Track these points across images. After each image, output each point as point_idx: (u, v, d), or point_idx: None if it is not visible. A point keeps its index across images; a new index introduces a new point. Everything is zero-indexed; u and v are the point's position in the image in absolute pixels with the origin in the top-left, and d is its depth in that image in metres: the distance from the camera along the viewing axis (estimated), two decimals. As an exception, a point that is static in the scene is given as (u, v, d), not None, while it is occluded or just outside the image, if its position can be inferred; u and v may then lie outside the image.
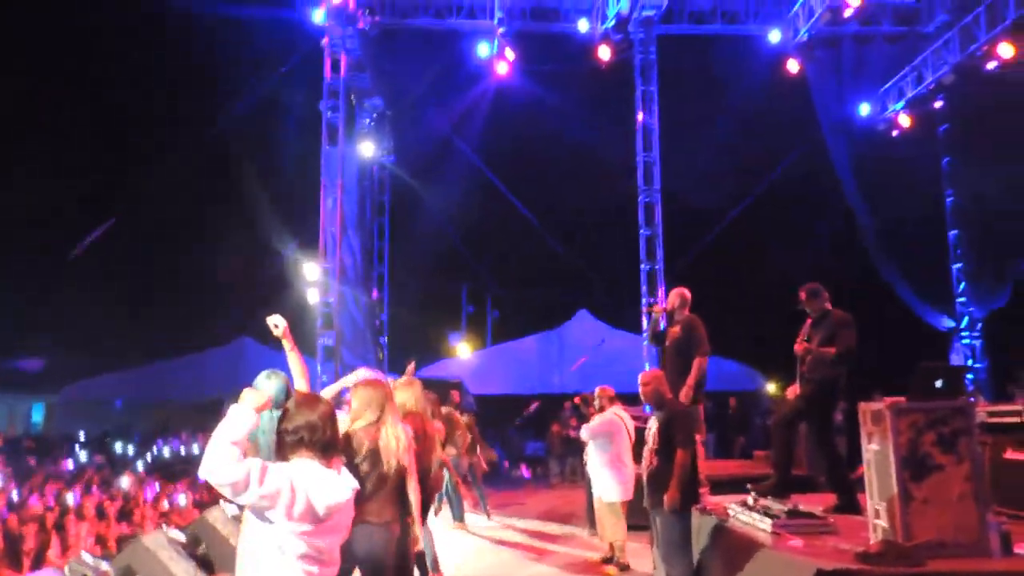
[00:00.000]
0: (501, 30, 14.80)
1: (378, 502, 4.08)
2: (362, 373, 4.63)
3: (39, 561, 6.42)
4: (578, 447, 9.63)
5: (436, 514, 10.04)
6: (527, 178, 18.02)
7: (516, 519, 10.82)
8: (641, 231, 15.11)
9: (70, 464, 12.48)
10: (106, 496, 8.55)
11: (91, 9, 18.38)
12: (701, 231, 16.69)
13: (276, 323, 4.67)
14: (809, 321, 6.28)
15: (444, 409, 9.74)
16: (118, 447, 15.14)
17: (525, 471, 17.21)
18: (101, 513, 7.86)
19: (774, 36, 15.14)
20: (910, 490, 4.34)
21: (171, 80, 19.50)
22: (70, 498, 8.01)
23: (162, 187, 16.09)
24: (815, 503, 5.73)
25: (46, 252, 17.01)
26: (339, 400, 5.71)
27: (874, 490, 4.61)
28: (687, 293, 7.61)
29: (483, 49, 15.08)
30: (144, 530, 7.29)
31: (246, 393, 2.99)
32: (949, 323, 15.63)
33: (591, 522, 8.73)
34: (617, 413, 7.81)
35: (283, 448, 2.94)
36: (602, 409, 7.92)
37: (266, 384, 4.38)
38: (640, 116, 15.39)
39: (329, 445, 2.97)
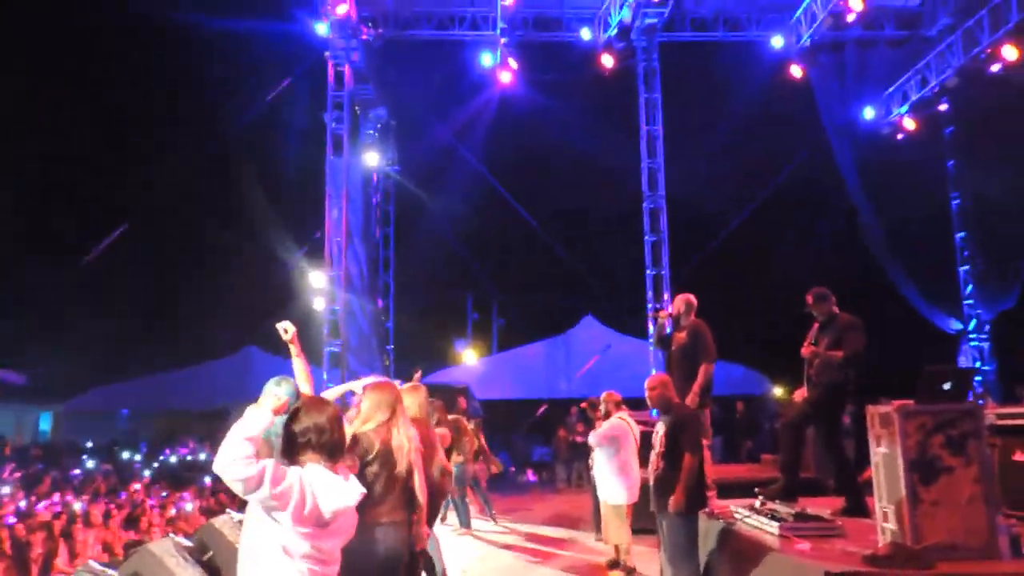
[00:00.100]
0: (504, 40, 14.87)
1: (390, 502, 4.09)
2: (367, 381, 4.65)
3: (47, 568, 6.44)
4: (584, 452, 9.62)
5: (443, 521, 10.04)
6: (531, 186, 18.05)
7: (523, 524, 10.81)
8: (646, 237, 15.13)
9: (77, 472, 12.52)
10: (113, 504, 8.56)
11: (91, 13, 18.48)
12: (707, 236, 16.69)
13: (286, 328, 4.72)
14: (816, 325, 6.26)
15: (451, 416, 9.75)
16: (125, 455, 15.18)
17: (532, 476, 17.20)
18: (108, 520, 7.87)
19: (777, 42, 15.17)
20: (919, 493, 4.31)
21: (177, 92, 19.62)
22: (77, 506, 8.03)
23: (168, 197, 16.20)
24: (823, 506, 5.70)
25: (53, 261, 17.09)
26: (344, 404, 5.73)
27: (882, 493, 4.59)
28: (693, 299, 7.59)
29: (486, 59, 15.15)
30: (151, 537, 7.30)
31: (265, 396, 3.02)
32: (957, 325, 15.57)
33: (598, 526, 8.72)
34: (623, 418, 7.79)
35: (290, 450, 2.95)
36: (608, 414, 7.91)
37: (278, 390, 4.40)
38: (644, 123, 15.41)
39: (336, 447, 3.00)
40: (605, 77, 15.14)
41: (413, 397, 5.12)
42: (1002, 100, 13.56)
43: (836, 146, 15.18)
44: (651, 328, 13.93)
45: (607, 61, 14.93)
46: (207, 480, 9.79)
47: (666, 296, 14.52)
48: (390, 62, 15.30)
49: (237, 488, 2.72)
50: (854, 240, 15.52)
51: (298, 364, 4.79)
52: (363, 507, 3.16)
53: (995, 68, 13.37)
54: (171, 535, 6.91)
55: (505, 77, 15.06)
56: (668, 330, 7.70)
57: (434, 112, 15.92)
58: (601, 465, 7.66)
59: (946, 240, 15.83)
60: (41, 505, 8.44)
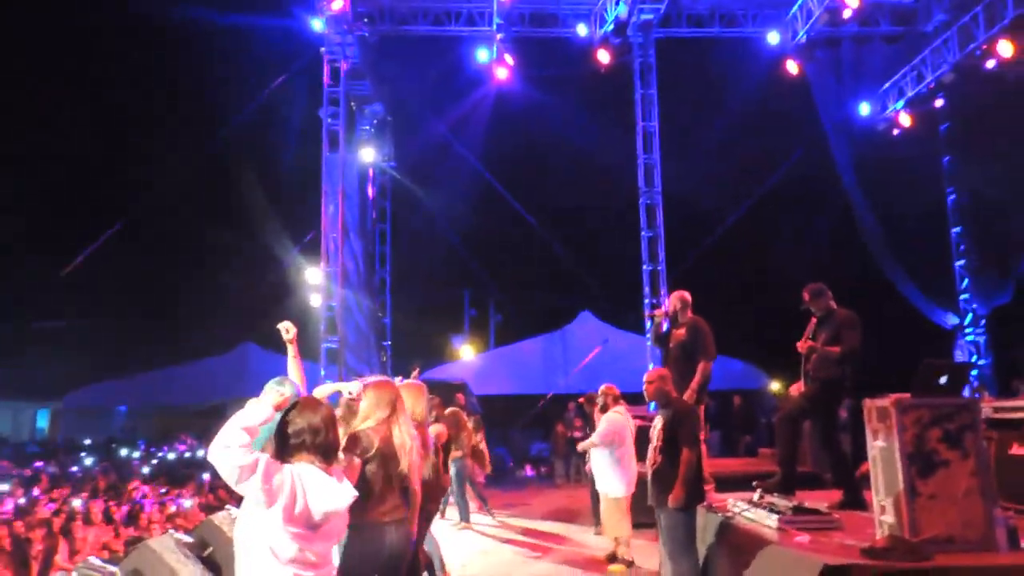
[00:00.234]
0: (500, 36, 14.84)
1: (391, 501, 4.08)
2: (355, 383, 4.61)
3: (47, 566, 6.44)
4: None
5: (442, 516, 10.07)
6: (528, 182, 18.05)
7: (522, 519, 10.84)
8: (643, 232, 15.15)
9: (75, 470, 12.51)
10: (112, 501, 8.56)
11: (91, 13, 18.43)
12: (704, 232, 16.72)
13: (288, 328, 4.72)
14: (814, 320, 6.29)
15: (450, 409, 9.77)
16: (123, 452, 15.18)
17: (530, 471, 17.25)
18: (108, 517, 7.88)
19: (772, 38, 15.18)
20: (916, 486, 4.35)
21: (174, 90, 19.58)
22: (77, 503, 8.03)
23: (166, 195, 16.16)
24: (820, 500, 5.74)
25: (51, 259, 17.04)
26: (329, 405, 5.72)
27: (880, 486, 4.62)
28: (687, 295, 7.61)
29: (482, 55, 15.13)
30: (151, 534, 7.31)
31: (268, 390, 3.02)
32: (953, 320, 15.64)
33: (597, 520, 8.77)
34: (620, 412, 7.84)
35: (284, 451, 2.94)
36: (606, 408, 7.94)
37: (281, 389, 4.40)
38: (640, 119, 15.42)
39: (330, 448, 2.99)
40: (601, 73, 15.13)
41: (411, 396, 5.12)
42: (997, 96, 13.60)
43: (833, 142, 15.21)
44: (648, 324, 13.96)
45: (603, 57, 14.93)
46: (206, 476, 9.80)
47: (663, 292, 14.55)
48: (386, 58, 15.27)
49: (229, 476, 2.71)
50: (850, 236, 15.56)
51: (293, 365, 4.78)
52: (364, 506, 3.16)
53: (991, 64, 13.40)
54: (171, 531, 6.93)
55: (501, 73, 15.06)
56: (664, 328, 7.72)
57: (430, 108, 15.90)
58: (599, 459, 7.69)
59: (942, 236, 15.88)
60: (40, 502, 8.44)
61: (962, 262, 15.79)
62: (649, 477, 5.87)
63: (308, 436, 2.93)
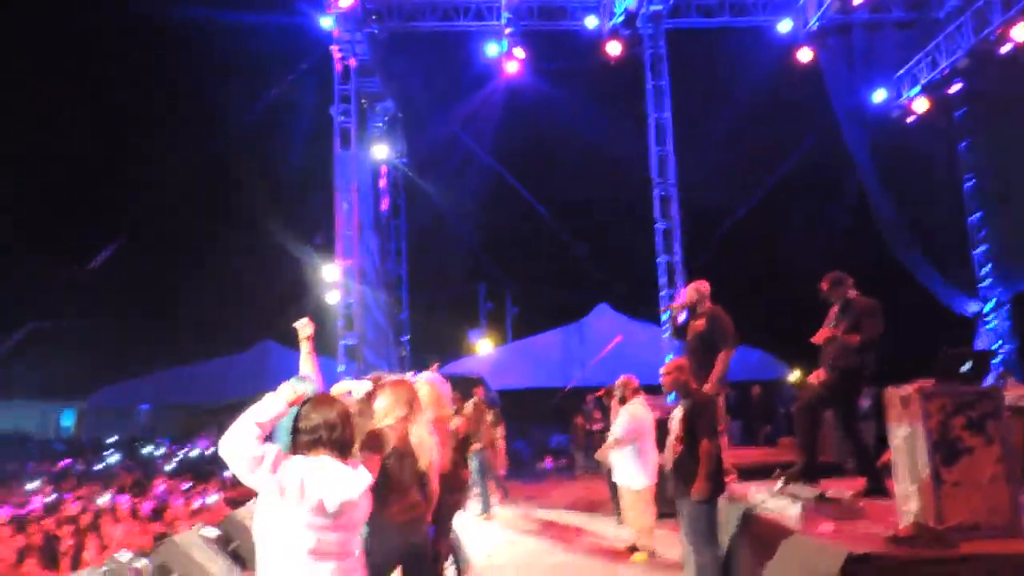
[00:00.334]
0: (509, 30, 14.82)
1: (408, 498, 4.11)
2: (364, 383, 4.61)
3: (76, 561, 6.55)
4: (601, 439, 9.67)
5: (463, 508, 10.12)
6: (541, 175, 18.06)
7: (543, 510, 10.90)
8: (657, 224, 15.11)
9: (101, 467, 12.68)
10: (138, 497, 8.68)
11: (91, 13, 18.52)
12: (719, 222, 16.66)
13: (305, 324, 4.78)
14: (834, 309, 6.27)
15: (473, 401, 9.83)
16: (146, 450, 15.36)
17: (549, 463, 17.31)
18: (134, 514, 7.99)
19: (784, 26, 15.06)
20: (941, 473, 4.33)
21: (185, 90, 19.68)
22: (104, 500, 8.15)
23: (182, 195, 16.29)
24: (843, 488, 5.74)
25: (70, 259, 17.24)
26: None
27: (903, 474, 4.61)
28: (703, 286, 7.57)
29: (492, 49, 15.11)
30: (176, 529, 7.41)
31: (284, 386, 3.05)
32: (974, 308, 15.50)
33: (617, 510, 8.81)
34: (641, 404, 7.86)
35: (300, 448, 2.97)
36: (624, 400, 7.96)
37: (300, 386, 4.44)
38: (652, 110, 15.36)
39: (346, 444, 3.02)
40: (611, 65, 15.08)
41: (431, 391, 5.12)
42: (1014, 80, 13.45)
43: (846, 130, 15.09)
44: (665, 316, 13.95)
45: (613, 49, 14.86)
46: (228, 472, 9.88)
47: (679, 283, 14.52)
48: (396, 54, 15.30)
49: (238, 468, 2.77)
50: (866, 224, 15.46)
51: (308, 361, 4.81)
52: (382, 504, 3.18)
53: (1006, 49, 13.24)
54: (197, 527, 7.03)
55: (511, 67, 15.03)
56: (682, 320, 7.71)
57: (441, 103, 15.92)
58: (620, 451, 7.71)
59: (959, 222, 15.74)
60: (68, 500, 8.56)
61: (982, 248, 15.65)
62: (669, 468, 5.89)
63: (324, 432, 2.95)
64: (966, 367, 4.73)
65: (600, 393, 9.36)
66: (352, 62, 14.62)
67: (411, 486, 4.13)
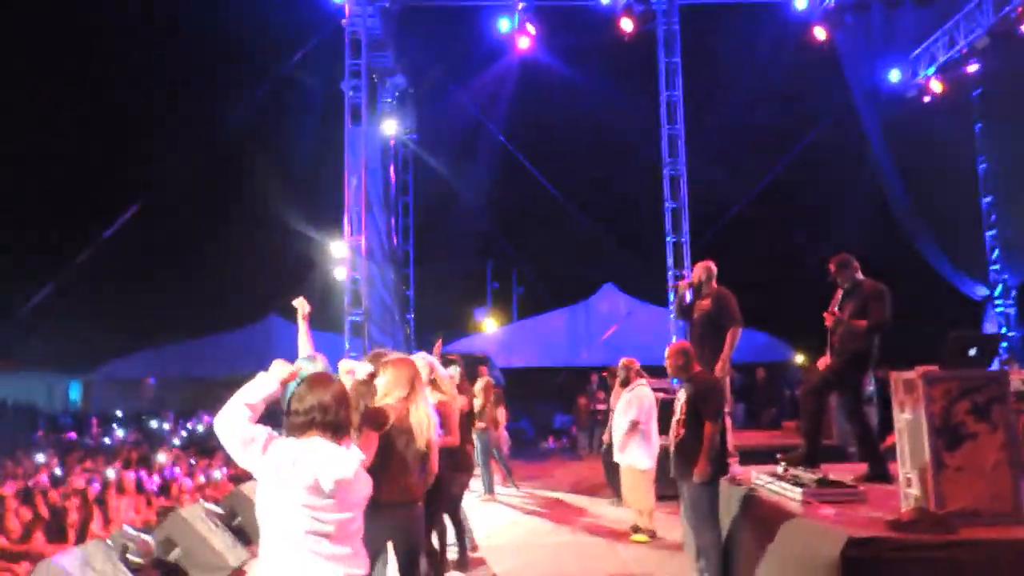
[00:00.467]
0: (521, 5, 14.64)
1: (406, 478, 4.11)
2: (364, 364, 4.59)
3: (83, 534, 6.62)
4: (605, 419, 9.69)
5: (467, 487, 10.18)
6: (551, 152, 17.95)
7: (545, 491, 10.95)
8: (666, 204, 15.01)
9: (108, 441, 12.81)
10: (144, 471, 8.76)
11: (90, 12, 18.46)
12: (728, 202, 16.54)
13: (302, 304, 4.78)
14: (840, 292, 6.21)
15: (485, 381, 9.86)
16: (153, 424, 15.50)
17: (552, 443, 17.37)
18: (140, 488, 8.07)
19: (800, 3, 14.81)
20: (943, 458, 4.30)
21: (195, 63, 19.59)
22: (110, 473, 8.22)
23: (190, 168, 16.27)
24: (845, 472, 5.71)
25: (79, 232, 17.30)
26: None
27: (906, 459, 4.58)
28: (713, 266, 7.54)
29: (504, 24, 14.94)
30: (182, 504, 7.48)
31: (276, 364, 3.03)
32: (983, 292, 15.36)
33: (616, 491, 8.85)
34: (645, 386, 7.87)
35: (293, 429, 2.94)
36: (628, 382, 7.96)
37: (311, 366, 4.43)
38: (664, 88, 15.19)
39: (341, 425, 2.97)
40: (624, 41, 14.88)
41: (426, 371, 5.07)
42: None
43: (862, 110, 14.88)
44: (671, 297, 13.90)
45: (626, 25, 14.65)
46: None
47: (686, 264, 14.45)
48: (407, 29, 15.18)
49: (232, 448, 2.78)
50: (879, 206, 15.31)
51: (305, 340, 4.82)
52: (377, 482, 3.16)
53: (1025, 28, 12.98)
54: (201, 501, 7.10)
55: (523, 43, 14.87)
56: (688, 300, 7.67)
57: (452, 79, 15.84)
58: (624, 432, 7.71)
59: (972, 205, 15.55)
60: (75, 472, 8.65)
61: (993, 232, 15.47)
62: (672, 450, 5.88)
63: (318, 414, 2.91)
64: (973, 351, 4.66)
65: (604, 373, 9.36)
66: (363, 36, 14.48)
67: (408, 465, 4.13)
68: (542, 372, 18.45)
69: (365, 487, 3.00)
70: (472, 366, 10.89)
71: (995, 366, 6.44)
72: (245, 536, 6.86)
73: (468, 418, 7.05)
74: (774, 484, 5.46)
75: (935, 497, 4.28)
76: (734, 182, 16.47)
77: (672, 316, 14.05)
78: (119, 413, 17.09)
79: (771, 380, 15.63)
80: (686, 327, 7.84)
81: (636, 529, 7.71)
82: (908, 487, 4.54)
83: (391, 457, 4.01)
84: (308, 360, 4.65)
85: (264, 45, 16.54)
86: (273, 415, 3.10)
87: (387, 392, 4.24)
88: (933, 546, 3.97)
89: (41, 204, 19.65)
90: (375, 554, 3.96)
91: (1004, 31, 13.30)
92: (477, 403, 9.56)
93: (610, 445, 8.46)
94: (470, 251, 20.04)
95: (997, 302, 15.30)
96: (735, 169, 16.11)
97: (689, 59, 15.22)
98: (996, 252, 15.39)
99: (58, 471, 8.82)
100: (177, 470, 9.07)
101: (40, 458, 9.59)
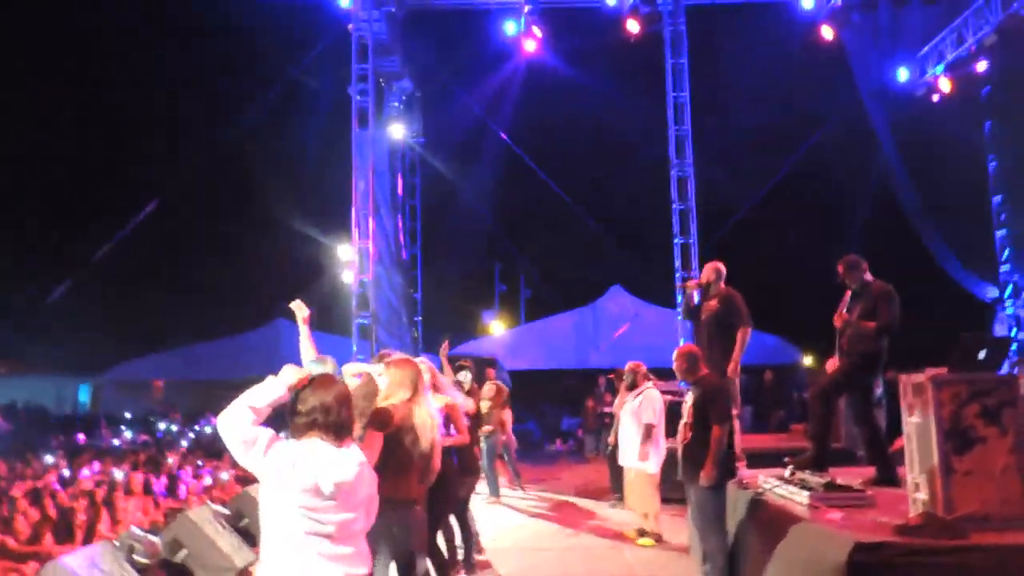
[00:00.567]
0: (527, 7, 14.63)
1: (408, 479, 4.11)
2: (370, 366, 4.59)
3: (90, 534, 6.65)
4: (611, 422, 9.67)
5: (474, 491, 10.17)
6: (558, 155, 17.96)
7: (551, 493, 10.93)
8: (673, 205, 14.96)
9: (117, 443, 12.86)
10: (151, 473, 8.79)
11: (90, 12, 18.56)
12: (735, 204, 16.49)
13: (300, 306, 4.76)
14: (849, 293, 6.17)
15: (496, 385, 9.87)
16: (161, 426, 15.56)
17: (560, 445, 17.35)
18: (147, 489, 8.09)
19: (807, 2, 14.75)
20: (952, 463, 4.27)
21: (202, 66, 19.68)
22: (118, 475, 8.26)
23: (200, 173, 16.35)
24: (853, 476, 5.68)
25: (88, 235, 17.41)
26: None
27: (914, 463, 4.55)
28: (722, 267, 7.52)
29: (510, 27, 14.94)
30: (189, 505, 7.50)
31: (286, 369, 3.03)
32: (993, 293, 15.24)
33: (618, 494, 8.86)
34: (654, 389, 7.86)
35: (295, 430, 2.95)
36: (635, 385, 7.93)
37: (319, 369, 4.43)
38: (671, 89, 15.16)
39: (342, 426, 2.97)
40: (631, 43, 14.85)
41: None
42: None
43: (871, 109, 14.80)
44: (679, 298, 13.86)
45: (633, 27, 14.62)
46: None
47: (694, 265, 14.40)
48: (414, 33, 15.19)
49: (234, 448, 2.80)
50: (887, 206, 15.23)
51: (307, 343, 4.78)
52: (380, 483, 3.16)
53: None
54: (208, 503, 7.11)
55: (530, 45, 14.85)
56: (696, 300, 7.65)
57: (459, 82, 15.85)
58: (633, 435, 7.69)
59: (982, 205, 15.42)
60: (83, 474, 8.69)
61: (1003, 232, 15.35)
62: (679, 453, 5.86)
63: (320, 415, 2.92)
64: (983, 354, 4.63)
65: (612, 376, 9.35)
66: (370, 41, 14.50)
67: (410, 465, 4.12)
68: (549, 374, 18.42)
69: (367, 488, 3.00)
70: (480, 368, 10.90)
71: (1005, 369, 6.39)
72: (251, 538, 6.87)
73: (474, 421, 7.05)
74: (781, 488, 5.44)
75: (944, 502, 4.25)
76: (741, 183, 16.43)
77: (679, 316, 14.02)
78: (128, 415, 17.15)
79: (779, 382, 15.55)
80: (693, 328, 7.80)
81: (642, 532, 7.68)
82: (916, 491, 4.51)
83: (393, 457, 4.01)
84: (318, 363, 4.65)
85: (271, 49, 16.62)
86: (280, 416, 3.09)
87: (390, 393, 4.23)
88: (942, 551, 3.94)
89: (48, 206, 19.78)
90: (373, 553, 3.96)
91: (1013, 28, 13.19)
92: (484, 405, 9.57)
93: (615, 447, 8.45)
94: (477, 254, 20.06)
95: (1007, 303, 15.17)
96: (742, 170, 16.06)
97: (696, 60, 15.19)
98: (1007, 252, 15.25)
99: (66, 472, 8.85)
100: (185, 472, 9.09)
101: (49, 459, 9.65)
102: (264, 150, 18.59)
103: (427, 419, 4.20)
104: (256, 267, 19.27)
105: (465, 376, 8.30)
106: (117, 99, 20.23)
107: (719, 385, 6.00)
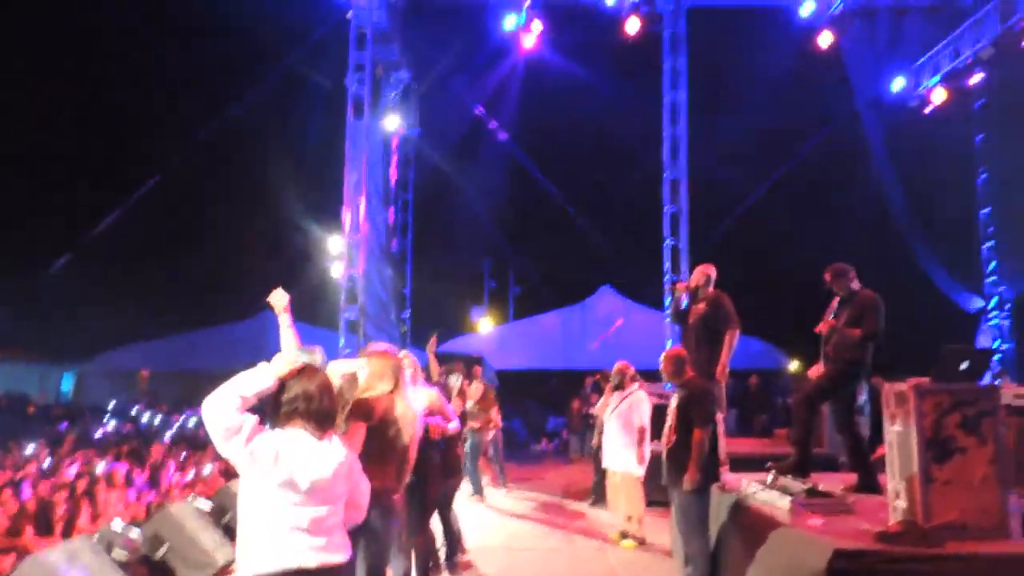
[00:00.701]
0: (528, 2, 14.60)
1: (387, 471, 4.08)
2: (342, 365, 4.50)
3: (69, 528, 6.59)
4: (595, 423, 9.69)
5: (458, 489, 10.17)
6: (552, 152, 17.95)
7: (535, 493, 10.93)
8: (665, 207, 14.97)
9: (99, 433, 12.76)
10: (134, 465, 8.74)
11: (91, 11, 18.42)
12: (727, 208, 16.53)
13: (280, 297, 4.52)
14: (835, 300, 6.20)
15: (483, 389, 9.87)
16: (145, 417, 15.47)
17: (545, 445, 17.36)
18: (129, 481, 8.04)
19: (806, 8, 14.78)
20: (932, 472, 4.30)
21: (196, 54, 19.56)
22: (100, 467, 8.19)
23: (188, 161, 16.25)
24: (835, 482, 5.71)
25: (75, 224, 17.29)
26: None
27: (895, 471, 4.58)
28: (712, 270, 7.52)
29: (510, 21, 14.90)
30: (171, 499, 7.46)
31: (278, 359, 3.02)
32: (978, 303, 15.36)
33: (597, 495, 8.89)
34: (639, 390, 7.87)
35: (278, 419, 2.94)
36: (622, 386, 7.94)
37: (308, 359, 4.35)
38: (668, 91, 15.15)
39: (325, 415, 2.98)
40: (629, 43, 14.84)
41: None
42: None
43: (866, 118, 14.87)
44: (667, 300, 13.88)
45: (632, 26, 14.60)
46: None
47: (683, 268, 14.43)
48: (414, 22, 15.11)
49: (216, 435, 2.77)
50: (876, 214, 15.31)
51: (289, 335, 4.60)
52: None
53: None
54: (191, 497, 7.07)
55: (529, 41, 14.82)
56: (684, 303, 7.66)
57: (457, 75, 15.77)
58: (620, 437, 7.71)
59: (970, 216, 15.55)
60: (64, 465, 8.62)
61: (990, 243, 15.47)
62: (664, 456, 5.87)
63: (302, 403, 2.92)
64: (965, 365, 4.66)
65: (597, 377, 9.35)
66: (369, 29, 14.41)
67: (391, 458, 4.10)
68: (536, 374, 18.43)
69: (345, 483, 3.00)
70: (467, 366, 10.89)
71: (987, 379, 6.43)
72: (234, 532, 6.83)
73: (459, 420, 7.04)
74: (763, 492, 5.46)
75: (923, 510, 4.28)
76: (734, 187, 16.47)
77: (667, 318, 14.05)
78: (111, 405, 17.03)
79: (764, 387, 15.62)
80: (681, 331, 7.81)
81: (624, 535, 7.70)
82: (896, 499, 4.54)
83: (376, 448, 3.97)
84: (306, 354, 4.57)
85: (268, 37, 16.48)
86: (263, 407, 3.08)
87: (370, 385, 4.19)
88: (920, 559, 3.98)
89: (36, 198, 19.64)
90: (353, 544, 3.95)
91: (1009, 42, 13.28)
92: (470, 404, 9.59)
93: (599, 448, 8.49)
94: (468, 249, 20.02)
95: (992, 314, 15.29)
96: (735, 174, 16.10)
97: (694, 62, 15.19)
98: (993, 264, 15.38)
99: (47, 463, 8.78)
100: (168, 465, 9.04)
101: (30, 449, 9.56)
102: (256, 139, 18.50)
103: (408, 412, 4.19)
104: (244, 258, 19.16)
105: (456, 379, 8.36)
106: (111, 98, 20.13)
107: (704, 388, 6.02)
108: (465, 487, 10.09)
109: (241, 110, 15.74)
